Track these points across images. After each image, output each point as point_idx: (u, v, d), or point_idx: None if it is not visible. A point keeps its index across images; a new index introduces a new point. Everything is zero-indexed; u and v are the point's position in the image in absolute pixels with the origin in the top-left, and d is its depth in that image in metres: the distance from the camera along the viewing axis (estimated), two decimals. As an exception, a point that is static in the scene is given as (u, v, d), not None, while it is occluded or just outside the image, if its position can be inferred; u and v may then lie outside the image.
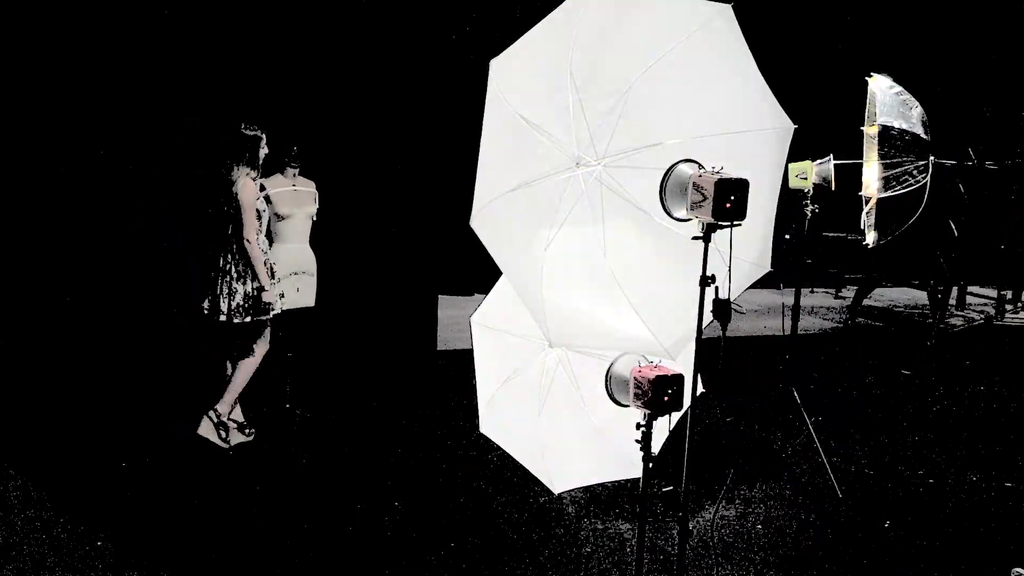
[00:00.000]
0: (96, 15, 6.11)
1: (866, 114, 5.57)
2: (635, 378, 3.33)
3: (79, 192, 6.10)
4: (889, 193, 5.38)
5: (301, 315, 6.12)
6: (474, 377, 4.21)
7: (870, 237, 5.46)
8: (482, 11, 7.74)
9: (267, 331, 5.71)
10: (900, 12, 10.40)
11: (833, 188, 5.41)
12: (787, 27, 9.56)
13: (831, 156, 5.44)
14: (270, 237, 5.88)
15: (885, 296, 10.76)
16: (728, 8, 3.44)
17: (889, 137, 5.43)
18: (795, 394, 5.46)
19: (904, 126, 5.47)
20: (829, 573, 4.57)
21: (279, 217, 5.91)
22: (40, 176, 6.14)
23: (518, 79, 3.59)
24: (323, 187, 6.33)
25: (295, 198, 6.00)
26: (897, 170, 5.40)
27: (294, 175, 6.01)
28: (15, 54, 6.05)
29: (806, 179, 5.30)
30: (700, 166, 3.24)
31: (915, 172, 5.41)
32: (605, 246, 3.45)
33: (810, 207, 5.38)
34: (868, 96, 5.62)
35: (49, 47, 6.08)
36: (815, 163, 5.38)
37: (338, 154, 6.60)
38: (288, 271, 5.98)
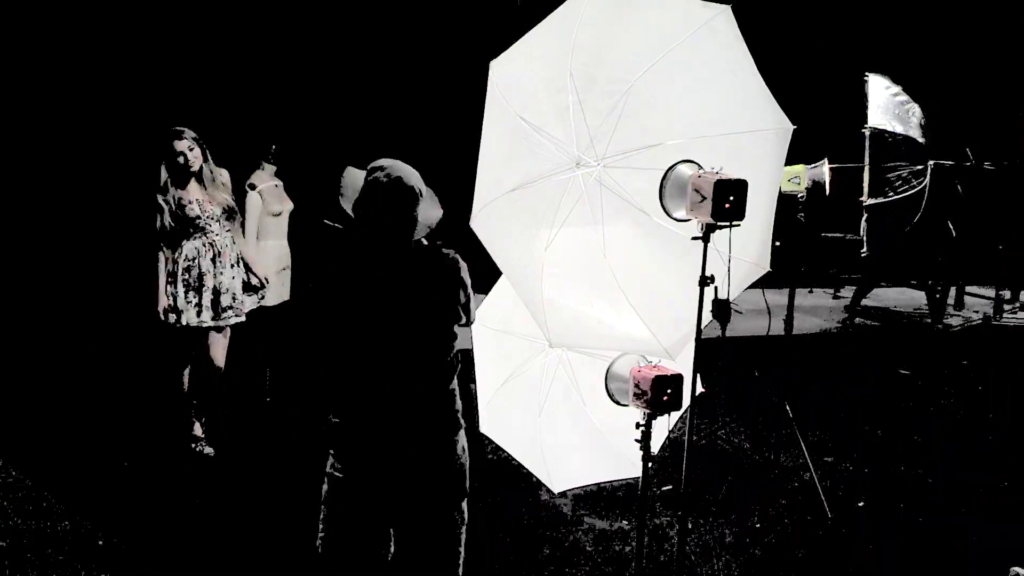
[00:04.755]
0: (64, 16, 6.13)
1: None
2: (635, 378, 3.34)
3: (78, 194, 6.11)
4: (881, 200, 5.32)
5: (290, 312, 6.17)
6: (474, 377, 4.22)
7: (865, 247, 5.39)
8: (482, 11, 7.75)
9: (220, 337, 5.53)
10: (900, 12, 10.42)
11: (828, 193, 5.30)
12: (787, 27, 9.57)
13: (825, 160, 5.36)
14: (258, 234, 5.91)
15: (884, 296, 10.77)
16: (728, 9, 3.44)
17: (882, 141, 5.37)
18: (788, 410, 5.44)
19: (899, 129, 5.42)
20: (831, 572, 4.59)
21: (270, 214, 5.94)
22: (31, 178, 6.16)
23: (518, 80, 3.60)
24: (325, 187, 6.33)
25: (280, 195, 6.04)
26: (891, 175, 5.35)
27: (273, 172, 6.04)
28: None
29: (799, 183, 5.22)
30: (699, 167, 3.25)
31: (911, 177, 5.35)
32: (605, 247, 3.45)
33: (800, 215, 5.24)
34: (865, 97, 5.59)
35: (23, 50, 6.10)
36: (808, 167, 5.28)
37: (339, 154, 6.61)
38: (279, 267, 6.03)
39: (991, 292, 10.25)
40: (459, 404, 3.32)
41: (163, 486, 5.13)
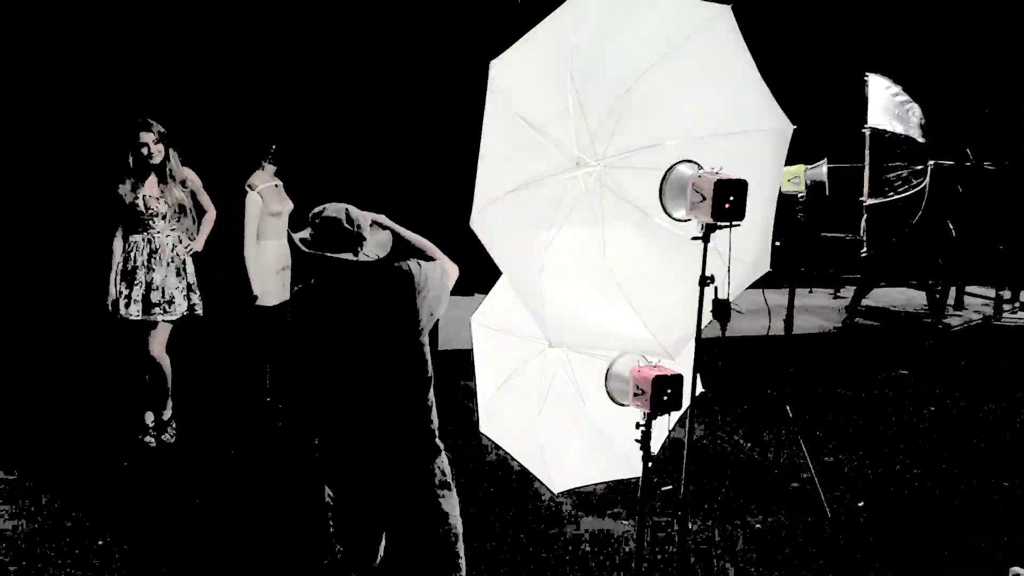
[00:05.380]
0: (67, 15, 6.14)
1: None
2: (634, 378, 3.34)
3: (79, 195, 6.12)
4: (881, 199, 5.32)
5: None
6: (474, 377, 4.22)
7: (865, 247, 5.38)
8: (482, 11, 7.75)
9: (157, 332, 5.57)
10: (899, 12, 10.41)
11: (828, 193, 5.28)
12: (787, 27, 9.57)
13: (825, 160, 5.34)
14: (258, 234, 5.91)
15: (884, 296, 10.77)
16: (728, 9, 3.44)
17: (881, 140, 5.37)
18: (788, 411, 5.43)
19: (899, 129, 5.42)
20: (831, 572, 4.59)
21: (270, 214, 5.94)
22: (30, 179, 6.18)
23: (518, 79, 3.59)
24: (325, 187, 6.33)
25: (280, 195, 6.05)
26: (890, 175, 5.34)
27: (273, 173, 6.04)
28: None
29: (799, 183, 5.21)
30: (699, 166, 3.25)
31: (911, 177, 5.34)
32: (605, 247, 3.45)
33: (800, 215, 5.23)
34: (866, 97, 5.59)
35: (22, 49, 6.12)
36: (808, 167, 5.27)
37: (340, 154, 6.62)
38: (279, 266, 6.03)
39: (991, 292, 10.25)
40: (436, 421, 3.38)
41: (163, 486, 5.14)
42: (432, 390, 3.36)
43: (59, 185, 6.26)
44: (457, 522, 3.41)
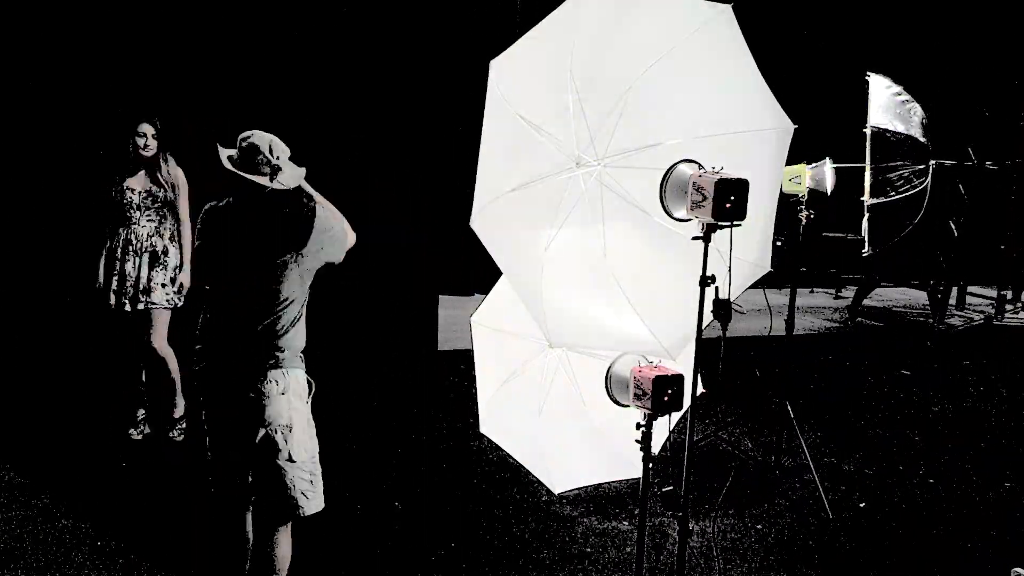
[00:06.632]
0: (67, 12, 6.17)
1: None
2: (635, 378, 3.33)
3: (81, 196, 6.13)
4: (883, 199, 5.31)
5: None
6: (474, 377, 4.21)
7: (866, 247, 5.37)
8: (482, 11, 7.76)
9: (155, 324, 5.57)
10: (900, 12, 10.40)
11: (829, 193, 5.26)
12: (787, 27, 9.56)
13: (827, 160, 5.33)
14: None
15: (885, 296, 10.77)
16: (728, 8, 3.44)
17: (883, 140, 5.37)
18: (788, 409, 5.41)
19: (901, 128, 5.41)
20: (832, 573, 4.58)
21: None
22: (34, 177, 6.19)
23: (518, 79, 3.59)
24: (324, 187, 6.33)
25: None
26: (892, 175, 5.34)
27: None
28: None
29: (800, 183, 5.19)
30: (700, 166, 3.24)
31: (912, 177, 5.34)
32: (605, 246, 3.45)
33: (804, 212, 5.22)
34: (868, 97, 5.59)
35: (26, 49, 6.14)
36: (809, 167, 5.26)
37: (339, 154, 6.61)
38: None
39: (993, 292, 10.24)
40: (289, 342, 3.60)
41: (161, 487, 5.13)
42: (292, 311, 3.57)
43: (57, 181, 6.27)
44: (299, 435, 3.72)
